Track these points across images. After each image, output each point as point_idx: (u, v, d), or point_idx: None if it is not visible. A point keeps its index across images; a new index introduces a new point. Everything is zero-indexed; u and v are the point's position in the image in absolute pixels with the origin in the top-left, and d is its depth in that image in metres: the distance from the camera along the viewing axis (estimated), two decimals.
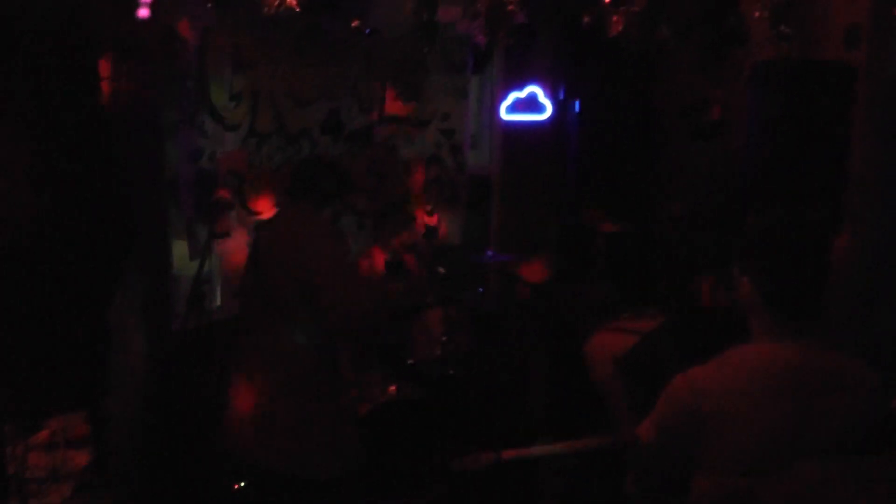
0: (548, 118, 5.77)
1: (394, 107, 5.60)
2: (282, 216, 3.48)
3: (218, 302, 4.92)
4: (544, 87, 5.73)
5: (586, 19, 3.59)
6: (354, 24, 4.74)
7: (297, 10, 3.17)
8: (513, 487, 4.07)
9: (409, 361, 4.56)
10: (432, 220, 5.90)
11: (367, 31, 4.82)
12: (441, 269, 4.60)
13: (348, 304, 3.14)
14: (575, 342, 3.53)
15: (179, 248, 4.60)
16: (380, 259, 3.54)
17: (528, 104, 5.74)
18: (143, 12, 3.77)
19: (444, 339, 4.61)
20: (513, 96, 5.78)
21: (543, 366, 5.03)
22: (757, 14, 3.26)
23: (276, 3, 3.18)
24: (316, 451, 3.25)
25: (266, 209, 4.91)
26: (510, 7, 3.50)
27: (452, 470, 3.31)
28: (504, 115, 5.86)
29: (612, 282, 3.51)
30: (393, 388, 4.21)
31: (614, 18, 3.26)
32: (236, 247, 4.70)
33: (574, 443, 3.56)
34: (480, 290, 5.32)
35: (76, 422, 3.43)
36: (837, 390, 1.95)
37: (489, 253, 5.85)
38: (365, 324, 3.24)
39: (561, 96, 5.81)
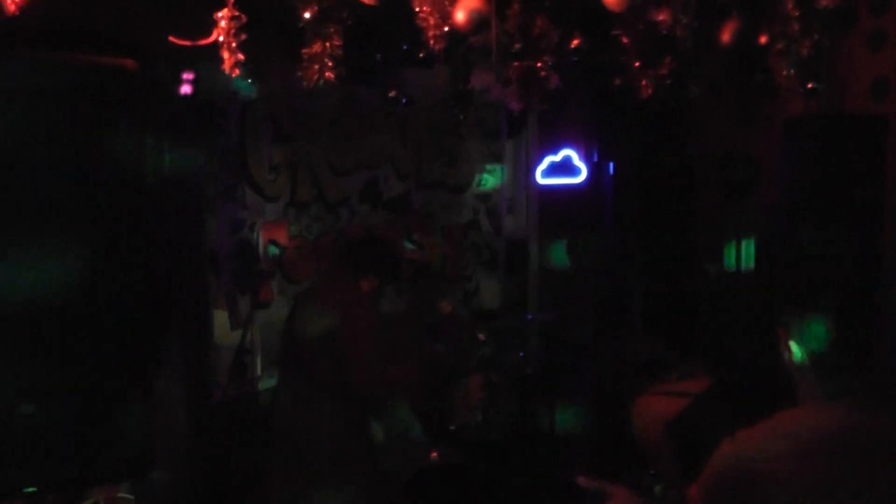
0: (583, 181, 5.80)
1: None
2: (329, 282, 3.55)
3: (259, 372, 4.94)
4: (578, 150, 5.78)
5: (617, 82, 3.62)
6: (391, 94, 4.83)
7: (336, 82, 3.24)
8: None
9: (451, 427, 4.53)
10: (470, 285, 5.91)
11: (404, 100, 4.92)
12: (481, 336, 4.60)
13: (381, 380, 3.18)
14: (619, 400, 3.50)
15: (220, 319, 4.65)
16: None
17: (562, 167, 5.79)
18: (186, 89, 3.88)
19: (485, 404, 4.58)
20: (548, 160, 5.83)
21: (586, 427, 4.97)
22: (784, 73, 3.27)
23: (316, 76, 3.25)
24: None
25: (306, 278, 4.97)
26: (542, 73, 3.53)
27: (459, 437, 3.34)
28: (539, 178, 5.90)
29: (653, 338, 3.51)
30: (435, 453, 4.18)
31: (643, 82, 3.29)
32: (277, 316, 4.75)
33: None
34: (521, 353, 5.28)
35: (119, 492, 3.45)
36: (891, 451, 1.91)
37: (529, 316, 5.84)
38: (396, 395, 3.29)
39: (595, 158, 5.84)
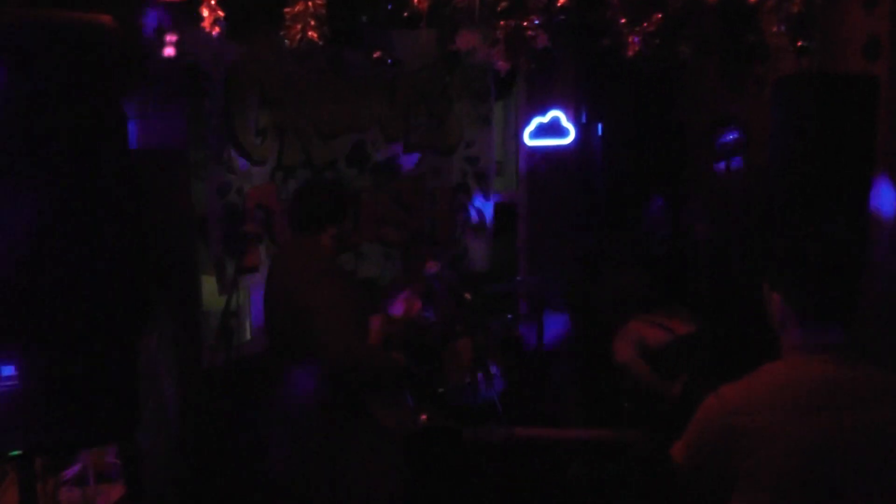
0: (571, 142, 5.77)
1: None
2: (284, 249, 3.46)
3: (248, 336, 4.94)
4: (567, 112, 5.74)
5: (605, 42, 3.58)
6: (376, 55, 4.79)
7: (320, 42, 3.20)
8: None
9: (440, 390, 4.53)
10: (458, 248, 5.90)
11: (390, 61, 4.87)
12: (467, 295, 4.58)
13: (338, 342, 3.04)
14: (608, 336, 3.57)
15: (209, 284, 4.64)
16: (377, 330, 3.45)
17: (551, 129, 5.74)
18: (169, 51, 3.83)
19: (473, 366, 4.58)
20: (536, 121, 5.78)
21: (577, 395, 5.00)
22: (775, 29, 3.25)
23: (298, 36, 3.22)
24: (350, 481, 3.23)
25: None
26: (529, 32, 3.50)
27: (466, 440, 3.31)
28: (528, 140, 5.86)
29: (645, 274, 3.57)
30: (424, 416, 4.18)
31: (631, 39, 3.26)
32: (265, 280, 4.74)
33: (587, 431, 3.59)
34: (509, 316, 5.29)
35: (108, 457, 3.46)
36: (875, 404, 1.92)
37: (517, 279, 5.84)
38: (355, 364, 3.11)
39: (584, 120, 5.81)
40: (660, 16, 3.21)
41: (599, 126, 5.59)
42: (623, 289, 3.95)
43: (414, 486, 3.86)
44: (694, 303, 3.58)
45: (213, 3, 2.79)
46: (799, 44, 3.32)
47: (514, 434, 3.25)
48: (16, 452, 2.36)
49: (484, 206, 5.92)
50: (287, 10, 3.14)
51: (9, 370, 2.23)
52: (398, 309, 3.51)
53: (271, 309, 3.39)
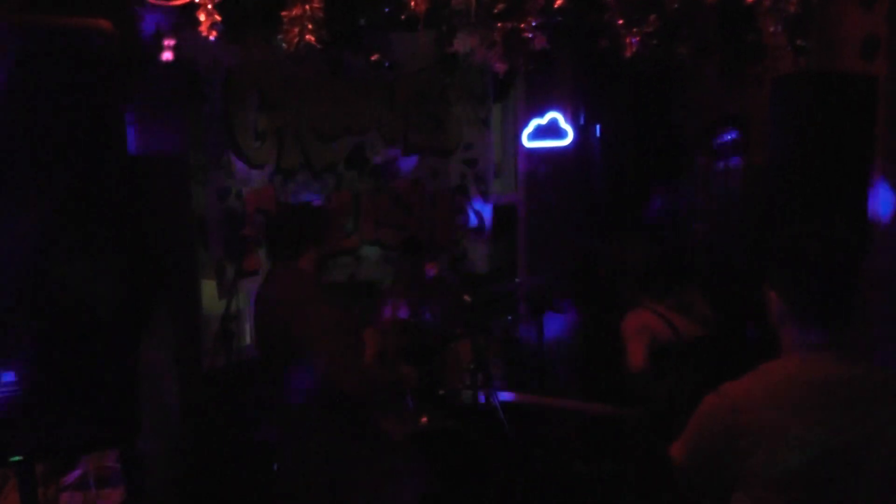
0: (570, 144, 5.77)
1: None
2: (268, 277, 3.37)
3: (247, 340, 4.94)
4: (565, 113, 5.74)
5: (603, 43, 3.58)
6: (374, 58, 4.79)
7: (318, 46, 3.20)
8: None
9: (440, 392, 4.53)
10: (458, 250, 5.90)
11: (387, 64, 4.87)
12: (467, 297, 4.58)
13: (350, 375, 3.04)
14: (613, 311, 3.58)
15: (209, 288, 4.63)
16: (371, 344, 3.39)
17: (549, 131, 5.74)
18: (167, 55, 3.83)
19: (473, 368, 4.57)
20: (534, 123, 5.78)
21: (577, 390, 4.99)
22: (771, 28, 3.24)
23: (296, 40, 3.21)
24: (350, 485, 3.23)
25: None
26: (527, 34, 3.50)
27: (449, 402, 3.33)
28: (526, 142, 5.86)
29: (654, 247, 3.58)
30: (424, 418, 4.18)
31: (628, 39, 3.25)
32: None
33: (577, 403, 3.59)
34: (509, 318, 5.29)
35: (108, 461, 3.45)
36: (875, 403, 1.92)
37: (517, 280, 5.84)
38: (354, 382, 3.09)
39: (582, 121, 5.81)
40: (657, 17, 3.21)
41: (598, 127, 5.60)
42: (629, 256, 3.94)
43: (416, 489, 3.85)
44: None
45: (210, 7, 2.80)
46: (798, 43, 3.32)
47: (497, 398, 3.26)
48: (17, 458, 2.36)
49: (483, 208, 5.92)
50: (284, 13, 3.14)
51: (9, 376, 2.23)
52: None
53: (264, 335, 3.33)
